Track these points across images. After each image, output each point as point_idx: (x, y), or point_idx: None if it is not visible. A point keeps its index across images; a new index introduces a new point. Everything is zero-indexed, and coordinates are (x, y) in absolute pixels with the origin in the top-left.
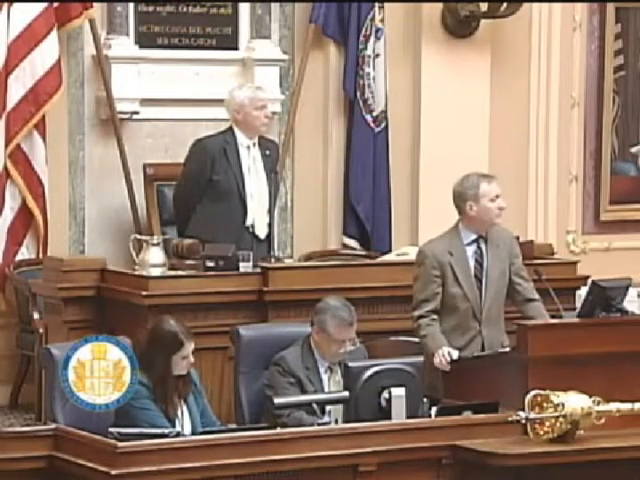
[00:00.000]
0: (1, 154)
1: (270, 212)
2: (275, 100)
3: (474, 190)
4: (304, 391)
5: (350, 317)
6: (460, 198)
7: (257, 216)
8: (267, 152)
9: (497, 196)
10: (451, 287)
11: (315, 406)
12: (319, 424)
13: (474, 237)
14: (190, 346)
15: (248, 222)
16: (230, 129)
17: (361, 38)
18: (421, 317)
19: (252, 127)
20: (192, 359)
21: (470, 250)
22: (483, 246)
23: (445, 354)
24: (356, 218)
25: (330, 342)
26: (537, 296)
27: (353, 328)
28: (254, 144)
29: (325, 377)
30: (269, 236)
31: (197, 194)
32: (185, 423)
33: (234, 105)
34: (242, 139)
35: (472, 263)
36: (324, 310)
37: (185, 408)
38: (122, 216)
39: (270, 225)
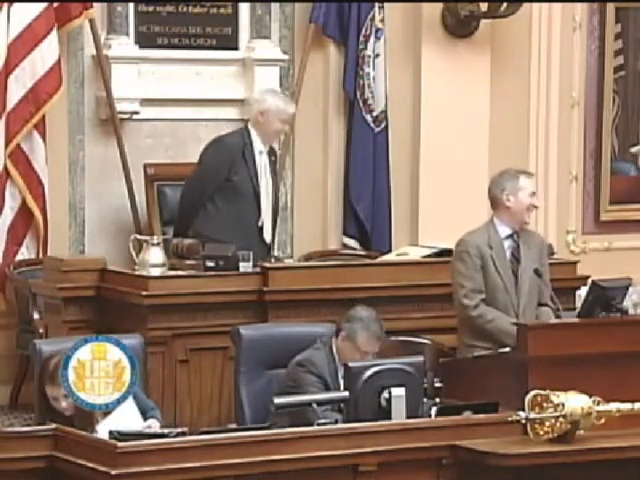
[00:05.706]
0: (1, 154)
1: (274, 216)
2: None
3: (514, 182)
4: None
5: (380, 332)
6: (498, 188)
7: (266, 219)
8: (272, 158)
9: (534, 193)
10: (493, 278)
11: (315, 406)
12: (319, 424)
13: (510, 232)
14: (54, 391)
15: (259, 223)
16: (246, 130)
17: (361, 38)
18: (477, 306)
19: (267, 134)
20: (64, 404)
21: (507, 244)
22: (518, 241)
23: None
24: (356, 218)
25: (354, 351)
26: (550, 303)
27: (380, 343)
28: (265, 150)
29: (342, 383)
30: (272, 239)
31: (211, 192)
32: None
33: (261, 107)
34: (257, 143)
35: (509, 257)
36: (357, 319)
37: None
38: (122, 216)
39: (274, 228)
